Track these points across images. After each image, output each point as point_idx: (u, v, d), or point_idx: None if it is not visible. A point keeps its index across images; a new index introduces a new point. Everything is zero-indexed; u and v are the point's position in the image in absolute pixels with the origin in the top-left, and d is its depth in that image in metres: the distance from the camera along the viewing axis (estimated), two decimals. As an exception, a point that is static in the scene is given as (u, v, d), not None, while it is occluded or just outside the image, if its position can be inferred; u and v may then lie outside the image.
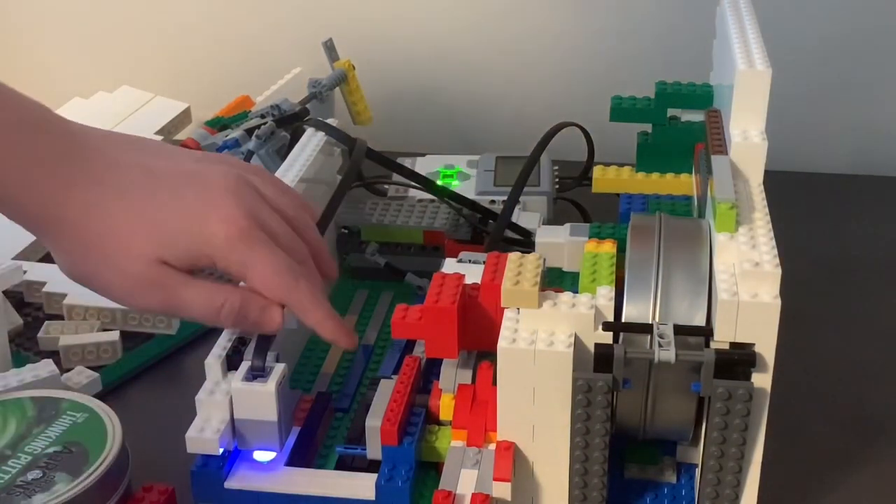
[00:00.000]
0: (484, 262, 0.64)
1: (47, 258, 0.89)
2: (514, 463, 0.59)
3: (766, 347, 0.56)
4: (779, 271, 0.55)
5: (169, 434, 0.64)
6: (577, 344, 0.57)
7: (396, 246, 0.83)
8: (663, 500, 0.62)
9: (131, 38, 1.18)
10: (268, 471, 0.62)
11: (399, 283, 0.82)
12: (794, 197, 0.99)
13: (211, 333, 0.80)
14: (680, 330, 0.57)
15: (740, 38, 0.67)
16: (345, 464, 0.64)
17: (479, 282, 0.63)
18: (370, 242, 0.83)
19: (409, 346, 0.73)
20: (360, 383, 0.72)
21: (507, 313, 0.59)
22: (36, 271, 0.83)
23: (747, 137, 0.63)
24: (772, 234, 0.59)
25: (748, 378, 0.56)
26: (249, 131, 0.95)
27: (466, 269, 0.69)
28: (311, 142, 0.78)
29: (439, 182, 0.91)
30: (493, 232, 0.79)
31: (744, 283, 0.56)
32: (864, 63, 1.05)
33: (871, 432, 0.70)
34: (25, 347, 0.78)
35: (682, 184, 0.78)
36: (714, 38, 0.79)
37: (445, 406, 0.63)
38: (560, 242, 0.77)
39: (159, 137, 1.03)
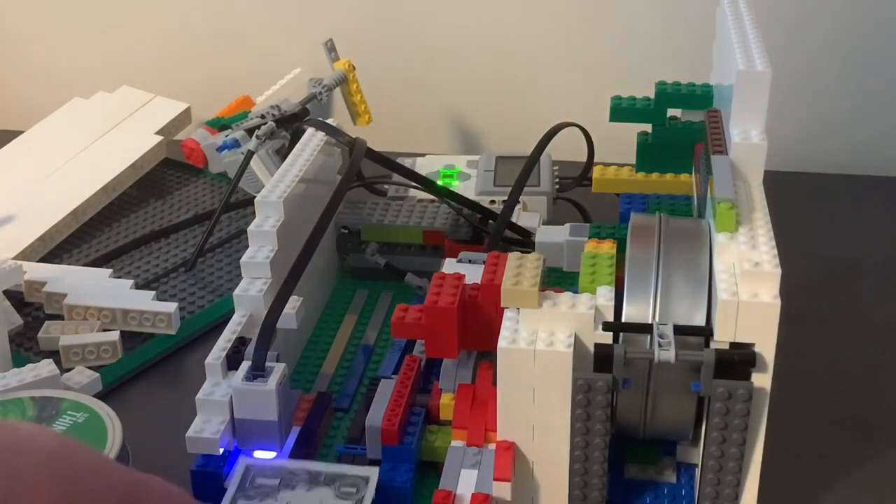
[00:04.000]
0: (484, 262, 0.64)
1: (47, 258, 0.90)
2: (514, 463, 0.59)
3: (766, 347, 0.56)
4: (779, 271, 0.55)
5: (169, 434, 0.64)
6: (577, 344, 0.57)
7: (396, 246, 0.83)
8: (663, 500, 0.62)
9: (131, 38, 1.18)
10: (268, 471, 0.62)
11: (399, 283, 0.82)
12: (794, 197, 0.99)
13: (211, 333, 0.80)
14: (680, 330, 0.57)
15: (740, 38, 0.67)
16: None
17: (479, 282, 0.63)
18: (370, 242, 0.83)
19: (409, 346, 0.73)
20: (360, 383, 0.72)
21: (507, 313, 0.59)
22: (36, 271, 0.83)
23: (747, 137, 0.63)
24: (772, 234, 0.59)
25: (748, 378, 0.56)
26: (250, 131, 0.96)
27: (466, 269, 0.69)
28: (311, 142, 0.78)
29: (439, 182, 0.91)
30: (493, 232, 0.79)
31: (744, 283, 0.56)
32: (864, 63, 1.05)
33: (871, 432, 0.70)
34: (25, 347, 0.78)
35: (682, 184, 0.78)
36: (714, 38, 0.79)
37: (445, 406, 0.63)
38: (560, 242, 0.77)
39: (159, 137, 1.03)
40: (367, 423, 0.61)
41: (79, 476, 0.47)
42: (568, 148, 0.91)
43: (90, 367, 0.74)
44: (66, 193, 0.95)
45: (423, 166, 0.95)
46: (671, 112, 0.79)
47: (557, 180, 0.92)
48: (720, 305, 0.55)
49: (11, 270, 0.76)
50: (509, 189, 0.81)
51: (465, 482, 0.58)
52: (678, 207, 0.77)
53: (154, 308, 0.79)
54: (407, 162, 0.93)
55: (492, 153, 0.97)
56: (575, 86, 1.10)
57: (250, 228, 0.69)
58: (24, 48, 1.21)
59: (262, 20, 1.14)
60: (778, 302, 0.55)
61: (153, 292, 0.81)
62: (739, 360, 0.55)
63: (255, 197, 0.70)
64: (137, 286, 0.84)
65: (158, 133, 1.04)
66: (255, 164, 0.93)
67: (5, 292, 0.78)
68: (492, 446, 0.60)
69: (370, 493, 0.58)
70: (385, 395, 0.62)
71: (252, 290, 0.67)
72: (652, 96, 0.79)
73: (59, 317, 0.80)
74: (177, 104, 1.08)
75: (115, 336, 0.77)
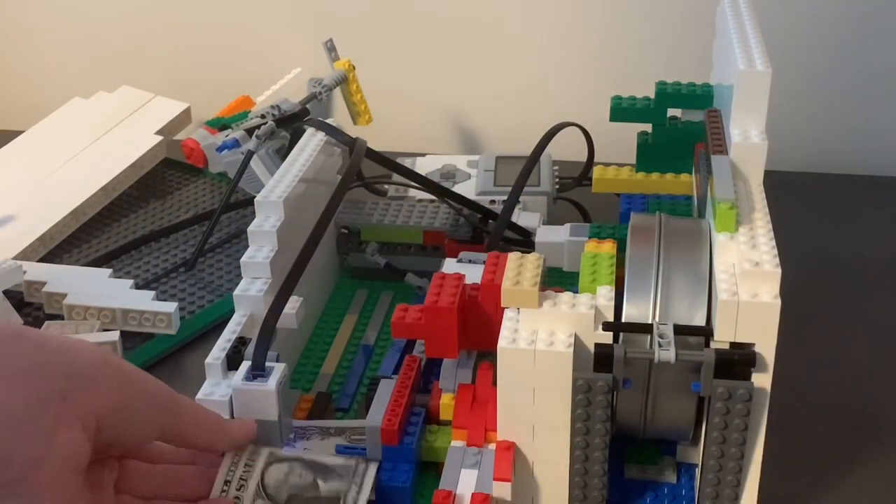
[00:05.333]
0: (484, 262, 0.64)
1: (47, 258, 0.90)
2: (514, 463, 0.59)
3: (766, 347, 0.56)
4: (779, 271, 0.55)
5: (169, 434, 0.64)
6: (577, 344, 0.57)
7: (396, 246, 0.83)
8: (663, 500, 0.62)
9: (131, 38, 1.18)
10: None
11: (399, 283, 0.82)
12: (794, 197, 0.99)
13: (211, 333, 0.80)
14: (680, 330, 0.57)
15: (740, 38, 0.67)
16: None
17: (479, 282, 0.63)
18: (370, 242, 0.83)
19: (409, 346, 0.73)
20: (360, 383, 0.72)
21: (507, 313, 0.59)
22: (36, 271, 0.83)
23: (747, 137, 0.63)
24: (772, 234, 0.59)
25: (748, 378, 0.56)
26: (249, 131, 0.95)
27: (466, 269, 0.69)
28: (311, 142, 0.78)
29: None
30: (493, 232, 0.79)
31: (744, 283, 0.56)
32: (864, 63, 1.05)
33: (871, 432, 0.70)
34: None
35: (682, 184, 0.78)
36: (714, 38, 0.79)
37: (445, 406, 0.63)
38: (560, 242, 0.77)
39: (159, 137, 1.03)
40: (367, 423, 0.61)
41: (128, 379, 0.53)
42: (568, 148, 0.91)
43: (90, 367, 0.74)
44: (66, 193, 0.95)
45: (423, 166, 0.95)
46: (671, 112, 0.79)
47: (557, 180, 0.92)
48: (720, 305, 0.55)
49: (11, 270, 0.76)
50: (509, 189, 0.81)
51: (465, 482, 0.58)
52: (678, 207, 0.77)
53: (154, 308, 0.79)
54: (407, 162, 0.93)
55: (492, 153, 0.97)
56: (575, 86, 1.10)
57: (250, 228, 0.69)
58: (24, 48, 1.21)
59: (262, 20, 1.14)
60: (778, 302, 0.55)
61: (153, 292, 0.81)
62: (739, 360, 0.55)
63: (255, 197, 0.70)
64: (137, 286, 0.84)
65: (158, 133, 1.04)
66: (255, 164, 0.93)
67: (5, 292, 0.78)
68: (492, 446, 0.60)
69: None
70: (385, 395, 0.62)
71: (252, 290, 0.67)
72: (652, 96, 0.79)
73: (60, 317, 0.80)
74: (177, 104, 1.08)
75: (115, 336, 0.77)
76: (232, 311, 0.67)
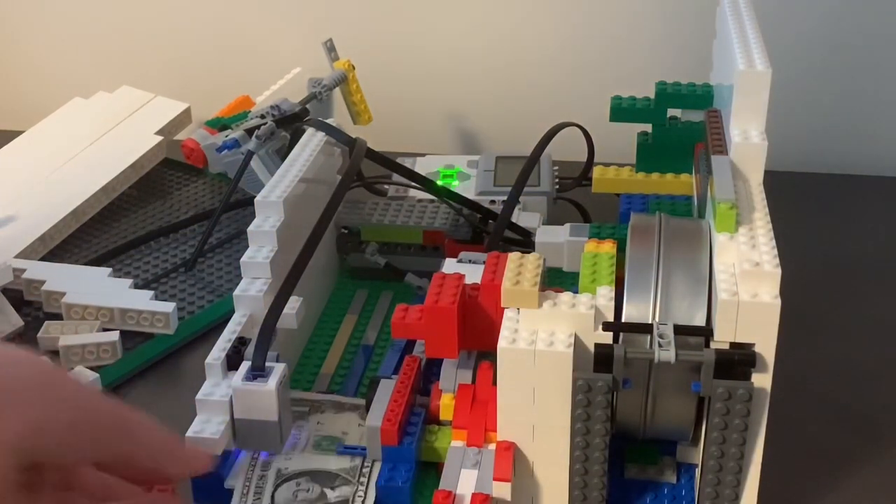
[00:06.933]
0: (484, 262, 0.64)
1: (47, 258, 0.90)
2: (514, 463, 0.59)
3: (766, 347, 0.56)
4: (779, 271, 0.55)
5: (169, 434, 0.64)
6: (577, 344, 0.57)
7: (396, 246, 0.83)
8: (663, 500, 0.62)
9: (131, 38, 1.18)
10: (268, 471, 0.62)
11: (399, 283, 0.82)
12: (794, 197, 0.99)
13: (211, 333, 0.80)
14: (680, 330, 0.57)
15: (740, 38, 0.67)
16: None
17: (479, 282, 0.63)
18: (370, 242, 0.83)
19: (409, 346, 0.73)
20: (360, 383, 0.72)
21: (507, 313, 0.59)
22: (35, 270, 0.83)
23: (747, 137, 0.63)
24: (772, 234, 0.59)
25: (748, 378, 0.56)
26: (249, 131, 0.95)
27: (466, 269, 0.69)
28: (311, 142, 0.78)
29: (439, 182, 0.91)
30: (493, 232, 0.79)
31: (744, 283, 0.56)
32: (864, 63, 1.05)
33: (871, 432, 0.70)
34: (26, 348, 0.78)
35: (682, 184, 0.78)
36: (714, 38, 0.79)
37: (445, 406, 0.63)
38: (560, 242, 0.77)
39: (159, 137, 1.03)
40: (367, 423, 0.61)
41: (64, 395, 0.48)
42: (568, 148, 0.91)
43: (90, 368, 0.74)
44: (66, 193, 0.95)
45: (423, 166, 0.95)
46: (671, 112, 0.79)
47: (557, 180, 0.92)
48: (720, 305, 0.55)
49: (2, 270, 0.76)
50: (509, 189, 0.81)
51: (465, 482, 0.58)
52: (678, 207, 0.77)
53: (152, 307, 0.79)
54: (407, 162, 0.93)
55: (492, 153, 0.97)
56: (575, 86, 1.10)
57: (250, 228, 0.69)
58: (24, 48, 1.21)
59: (262, 20, 1.14)
60: (778, 302, 0.55)
61: (152, 292, 0.81)
62: (739, 361, 0.55)
63: (255, 197, 0.70)
64: (137, 286, 0.84)
65: (158, 133, 1.04)
66: (255, 164, 0.93)
67: (4, 292, 0.78)
68: (492, 446, 0.60)
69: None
70: (385, 395, 0.62)
71: (252, 290, 0.67)
72: (652, 96, 0.79)
73: (59, 316, 0.80)
74: (177, 104, 1.08)
75: (114, 336, 0.77)
76: (232, 311, 0.67)
